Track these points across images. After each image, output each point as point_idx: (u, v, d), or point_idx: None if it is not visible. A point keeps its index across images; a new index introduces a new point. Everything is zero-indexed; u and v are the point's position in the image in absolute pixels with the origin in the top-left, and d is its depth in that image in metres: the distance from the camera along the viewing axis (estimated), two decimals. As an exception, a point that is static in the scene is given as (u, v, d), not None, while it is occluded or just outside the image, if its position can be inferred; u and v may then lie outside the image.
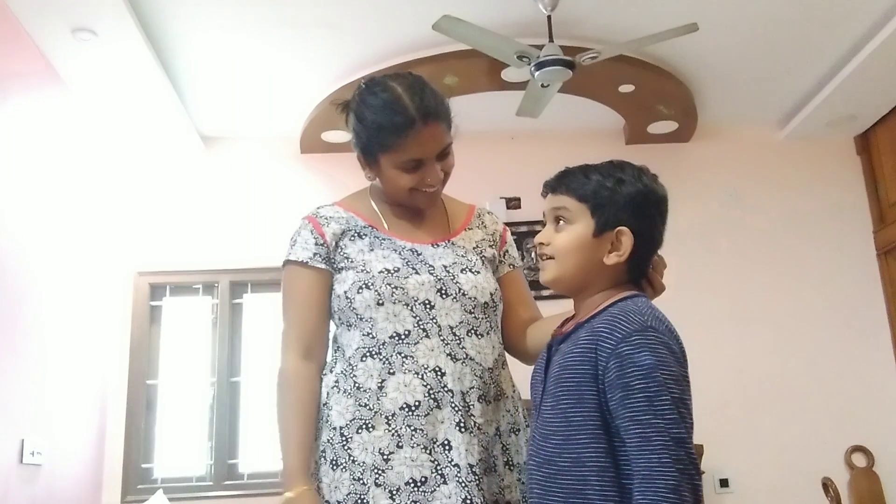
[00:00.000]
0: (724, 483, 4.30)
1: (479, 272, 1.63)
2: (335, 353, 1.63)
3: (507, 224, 5.02)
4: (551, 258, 1.41)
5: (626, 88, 4.15)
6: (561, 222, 1.41)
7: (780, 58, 4.10)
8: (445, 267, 1.60)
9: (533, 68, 3.40)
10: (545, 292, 1.69)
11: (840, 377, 4.48)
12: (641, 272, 1.41)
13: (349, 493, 1.48)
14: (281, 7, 3.51)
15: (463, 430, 1.48)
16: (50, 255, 3.61)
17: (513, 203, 4.63)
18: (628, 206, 1.35)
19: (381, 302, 1.54)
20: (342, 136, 4.44)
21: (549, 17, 3.47)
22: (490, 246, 1.73)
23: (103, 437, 4.17)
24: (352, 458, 1.50)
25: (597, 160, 1.45)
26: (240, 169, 4.66)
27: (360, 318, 1.56)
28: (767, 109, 4.70)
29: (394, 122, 1.55)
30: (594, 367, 1.27)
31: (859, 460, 4.37)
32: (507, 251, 1.78)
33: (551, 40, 3.43)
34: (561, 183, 1.41)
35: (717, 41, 3.90)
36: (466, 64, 3.86)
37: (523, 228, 4.56)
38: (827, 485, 3.42)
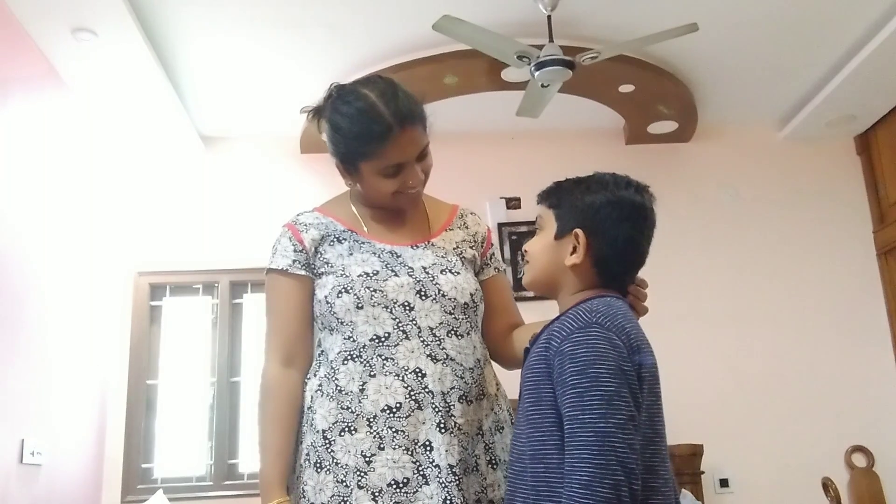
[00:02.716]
0: (724, 483, 4.30)
1: (458, 273, 1.63)
2: (319, 357, 1.63)
3: (507, 224, 5.01)
4: (528, 262, 1.51)
5: (626, 88, 4.15)
6: (537, 230, 1.51)
7: (780, 58, 4.11)
8: (425, 268, 1.61)
9: (533, 68, 3.40)
10: (525, 293, 1.72)
11: (840, 377, 4.48)
12: (613, 276, 1.44)
13: (333, 496, 1.49)
14: (281, 7, 3.51)
15: (443, 430, 1.49)
16: (50, 255, 3.61)
17: (513, 203, 4.62)
18: (587, 211, 1.42)
19: (360, 305, 1.55)
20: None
21: (549, 17, 3.48)
22: (471, 247, 1.73)
23: (103, 437, 4.18)
24: (335, 460, 1.51)
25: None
26: (240, 169, 4.66)
27: (341, 322, 1.57)
28: (767, 109, 4.70)
29: (372, 131, 1.56)
30: (548, 365, 1.32)
31: (859, 460, 4.37)
32: (492, 254, 1.78)
33: (551, 40, 3.43)
34: (541, 194, 1.51)
35: (717, 41, 3.90)
36: (466, 64, 3.86)
37: (523, 228, 4.56)
38: (827, 485, 3.42)
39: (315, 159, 4.61)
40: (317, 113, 1.68)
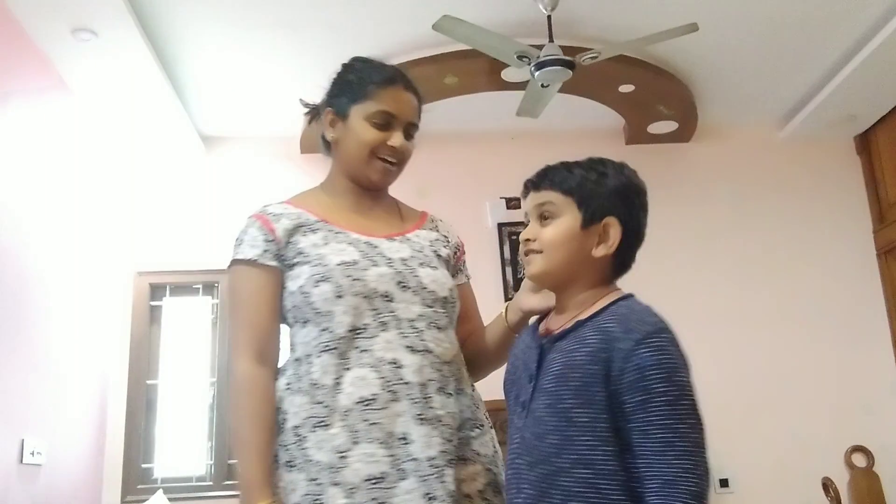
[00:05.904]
0: (724, 483, 4.30)
1: (436, 268, 1.62)
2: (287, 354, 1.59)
3: (507, 224, 4.99)
4: (539, 252, 1.39)
5: (626, 88, 4.15)
6: (547, 217, 1.40)
7: (780, 58, 4.10)
8: (403, 260, 1.58)
9: (533, 68, 3.40)
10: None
11: (840, 377, 4.48)
12: (626, 267, 1.40)
13: (305, 495, 1.43)
14: (281, 7, 3.51)
15: (423, 421, 1.45)
16: (50, 254, 3.61)
17: (513, 203, 4.61)
18: (613, 197, 1.35)
19: (340, 294, 1.50)
20: (342, 136, 4.44)
21: (549, 17, 3.47)
22: (444, 246, 1.71)
23: (103, 437, 4.17)
24: (307, 458, 1.45)
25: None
26: (240, 169, 4.66)
27: (318, 313, 1.51)
28: (767, 109, 4.70)
29: (380, 74, 1.66)
30: (606, 367, 1.24)
31: (859, 460, 4.37)
32: (464, 262, 1.78)
33: (551, 40, 3.43)
34: (544, 179, 1.41)
35: (717, 41, 3.90)
36: (466, 64, 3.86)
37: (523, 229, 4.55)
38: (827, 485, 3.43)
39: (315, 159, 4.57)
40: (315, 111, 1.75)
